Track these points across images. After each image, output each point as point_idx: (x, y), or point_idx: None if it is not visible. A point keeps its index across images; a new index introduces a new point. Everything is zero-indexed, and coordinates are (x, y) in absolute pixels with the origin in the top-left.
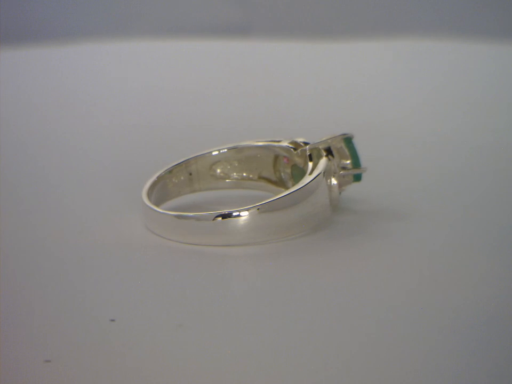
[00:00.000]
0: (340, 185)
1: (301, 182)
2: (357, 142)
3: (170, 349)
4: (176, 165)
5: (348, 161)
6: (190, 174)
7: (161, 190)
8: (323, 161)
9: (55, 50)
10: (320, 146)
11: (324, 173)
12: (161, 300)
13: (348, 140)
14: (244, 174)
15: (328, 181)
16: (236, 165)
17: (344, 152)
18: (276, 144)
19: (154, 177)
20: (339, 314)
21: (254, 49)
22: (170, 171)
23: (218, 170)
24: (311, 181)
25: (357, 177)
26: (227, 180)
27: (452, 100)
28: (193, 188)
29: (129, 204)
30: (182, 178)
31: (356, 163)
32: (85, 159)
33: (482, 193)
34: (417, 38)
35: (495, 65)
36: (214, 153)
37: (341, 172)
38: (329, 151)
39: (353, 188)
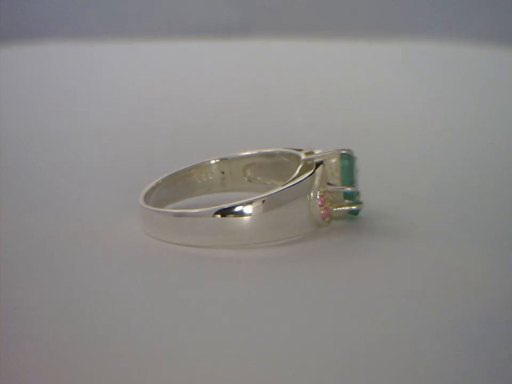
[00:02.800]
0: (330, 201)
1: (268, 191)
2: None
3: (171, 350)
4: (206, 162)
5: (338, 178)
6: (223, 172)
7: (184, 186)
8: (304, 175)
9: (55, 50)
10: (315, 160)
11: (298, 185)
12: (159, 302)
13: (345, 156)
14: (275, 180)
15: (308, 195)
16: (268, 169)
17: (337, 168)
18: (295, 152)
19: (153, 183)
20: (337, 317)
21: (256, 48)
22: (198, 168)
23: (251, 174)
24: (277, 192)
25: (348, 195)
26: (259, 184)
27: (455, 103)
28: (226, 187)
29: (131, 206)
30: (213, 177)
31: (346, 181)
32: (85, 160)
33: (485, 204)
34: (420, 41)
35: (499, 69)
36: (246, 155)
37: (328, 188)
38: (318, 166)
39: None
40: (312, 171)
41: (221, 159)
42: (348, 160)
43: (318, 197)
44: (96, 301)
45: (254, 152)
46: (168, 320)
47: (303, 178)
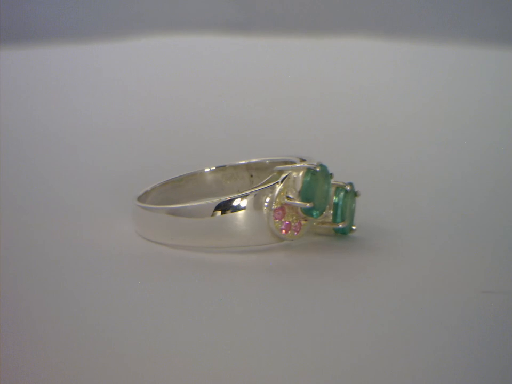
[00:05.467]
0: (296, 215)
1: (221, 198)
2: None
3: (167, 351)
4: (235, 165)
5: (297, 192)
6: (251, 176)
7: (203, 185)
8: (259, 187)
9: (55, 50)
10: (283, 173)
11: (252, 196)
12: (155, 303)
13: (310, 172)
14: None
15: (265, 207)
16: None
17: (300, 183)
18: (294, 160)
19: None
20: (328, 322)
21: (257, 46)
22: (226, 169)
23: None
24: (227, 200)
25: (304, 211)
26: None
27: (454, 106)
28: None
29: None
30: (242, 178)
31: (304, 197)
32: (87, 160)
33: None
34: (419, 40)
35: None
36: (271, 161)
37: (286, 201)
38: (283, 179)
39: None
40: (272, 183)
41: (249, 163)
42: (311, 175)
43: (274, 208)
44: (92, 301)
45: (277, 158)
46: (166, 321)
47: (256, 189)
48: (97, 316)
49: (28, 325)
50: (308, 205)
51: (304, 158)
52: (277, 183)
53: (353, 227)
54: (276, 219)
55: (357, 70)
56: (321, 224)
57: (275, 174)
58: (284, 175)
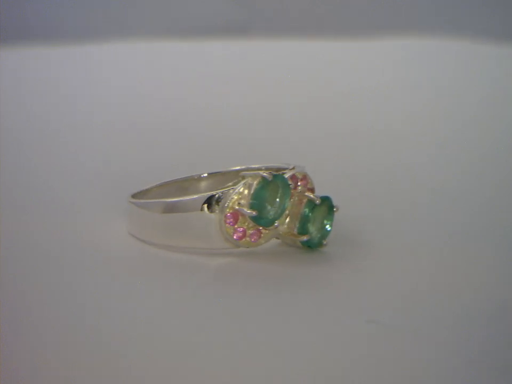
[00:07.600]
0: (242, 221)
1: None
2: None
3: (166, 352)
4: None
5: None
6: None
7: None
8: (217, 190)
9: (55, 50)
10: (244, 179)
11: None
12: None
13: (262, 181)
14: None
15: (216, 212)
16: None
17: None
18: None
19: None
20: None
21: (256, 48)
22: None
23: None
24: (183, 200)
25: (252, 219)
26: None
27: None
28: None
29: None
30: None
31: (250, 204)
32: (84, 161)
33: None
34: (418, 39)
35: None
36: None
37: (236, 207)
38: (240, 186)
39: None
40: (228, 188)
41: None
42: (263, 184)
43: (226, 214)
44: (91, 301)
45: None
46: (165, 321)
47: (211, 193)
48: (97, 316)
49: (25, 324)
50: (254, 213)
51: (296, 166)
52: (232, 188)
53: (324, 242)
54: (227, 224)
55: (357, 70)
56: (288, 235)
57: (239, 179)
58: (242, 181)
